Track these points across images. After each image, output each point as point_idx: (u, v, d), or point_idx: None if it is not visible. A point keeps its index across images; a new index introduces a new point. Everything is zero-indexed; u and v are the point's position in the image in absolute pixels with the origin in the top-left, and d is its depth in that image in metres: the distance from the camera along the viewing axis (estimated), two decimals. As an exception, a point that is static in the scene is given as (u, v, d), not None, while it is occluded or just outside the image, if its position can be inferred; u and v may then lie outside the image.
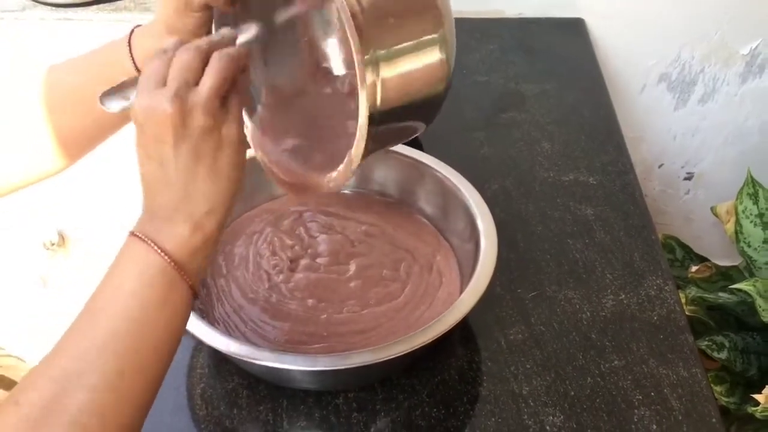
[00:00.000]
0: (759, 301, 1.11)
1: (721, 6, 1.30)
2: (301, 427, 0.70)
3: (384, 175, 0.86)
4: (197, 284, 0.52)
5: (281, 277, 0.77)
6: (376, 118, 0.51)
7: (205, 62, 0.50)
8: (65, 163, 0.67)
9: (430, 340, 0.65)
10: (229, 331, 0.72)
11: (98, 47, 0.63)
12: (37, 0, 1.27)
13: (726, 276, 1.28)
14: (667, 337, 0.78)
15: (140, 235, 0.50)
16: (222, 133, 0.50)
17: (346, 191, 0.87)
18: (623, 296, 0.83)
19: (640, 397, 0.73)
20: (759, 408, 1.05)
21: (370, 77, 0.50)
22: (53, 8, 1.27)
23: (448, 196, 0.81)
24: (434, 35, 0.53)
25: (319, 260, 0.79)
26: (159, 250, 0.49)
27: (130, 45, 0.60)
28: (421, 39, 0.52)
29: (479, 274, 0.71)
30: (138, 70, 0.60)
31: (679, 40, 1.34)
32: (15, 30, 1.27)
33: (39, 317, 1.56)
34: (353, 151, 0.53)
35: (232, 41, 0.54)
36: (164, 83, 0.49)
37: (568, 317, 0.80)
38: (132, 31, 0.61)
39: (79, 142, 0.66)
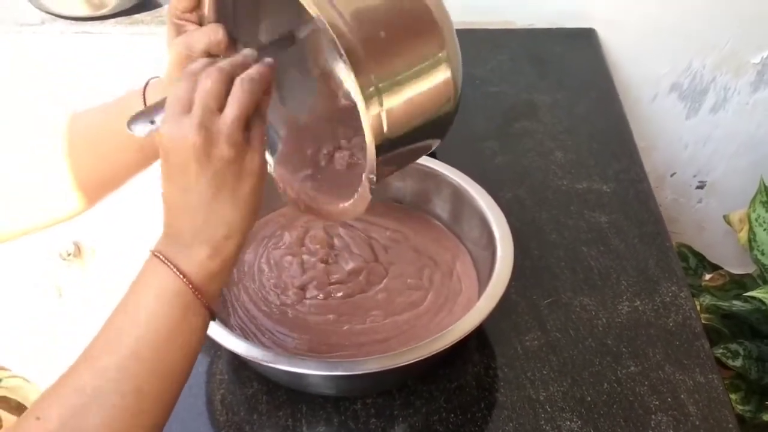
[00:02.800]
0: (773, 309, 1.11)
1: (732, 15, 1.30)
2: (320, 432, 0.71)
3: (400, 182, 0.87)
4: (214, 307, 0.53)
5: (302, 293, 0.78)
6: (385, 147, 0.51)
7: (229, 86, 0.50)
8: (83, 207, 0.68)
9: (446, 347, 0.66)
10: (247, 338, 0.73)
11: (116, 98, 0.64)
12: (56, 14, 1.29)
13: (740, 284, 1.28)
14: (683, 343, 0.79)
15: (160, 256, 0.51)
16: (244, 162, 0.50)
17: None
18: (638, 303, 0.83)
19: (657, 403, 0.73)
20: (775, 416, 1.05)
21: (374, 109, 0.49)
22: (72, 22, 1.29)
23: (463, 203, 0.82)
24: (437, 56, 0.52)
25: (342, 272, 0.79)
26: (178, 273, 0.50)
27: (144, 98, 0.62)
28: (424, 63, 0.52)
29: (495, 281, 0.71)
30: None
31: (690, 49, 1.34)
32: (34, 44, 1.29)
33: (54, 327, 1.58)
34: (364, 180, 0.54)
35: (254, 61, 0.54)
36: (190, 108, 0.50)
37: (584, 323, 0.81)
38: (147, 83, 0.62)
39: (96, 189, 0.67)
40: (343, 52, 0.48)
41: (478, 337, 0.79)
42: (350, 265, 0.79)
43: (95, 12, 1.28)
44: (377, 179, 0.53)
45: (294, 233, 0.84)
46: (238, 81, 0.50)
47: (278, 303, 0.77)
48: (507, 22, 1.33)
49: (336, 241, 0.82)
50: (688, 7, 1.30)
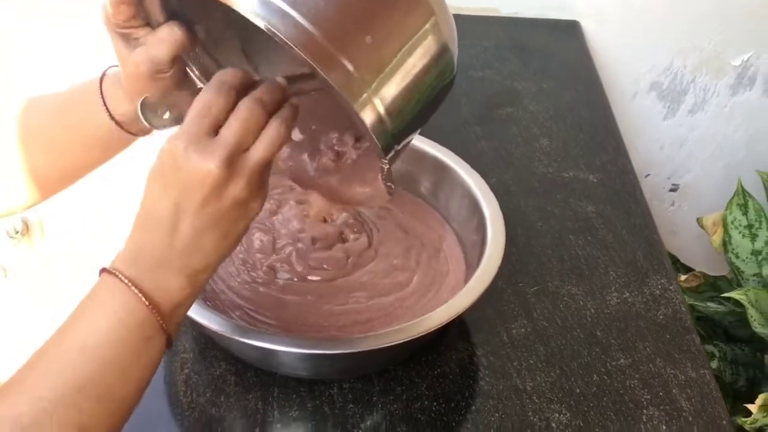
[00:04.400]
0: (751, 311, 1.09)
1: (715, 17, 1.29)
2: (293, 417, 0.65)
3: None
4: (174, 336, 0.49)
5: (272, 272, 0.72)
6: (392, 144, 0.48)
7: (266, 122, 0.46)
8: (37, 198, 0.63)
9: (433, 329, 0.61)
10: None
11: (73, 89, 0.59)
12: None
13: (714, 286, 1.26)
14: (673, 337, 0.76)
15: (124, 279, 0.46)
16: (249, 205, 0.47)
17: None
18: (627, 294, 0.80)
19: (649, 397, 0.69)
20: (749, 420, 1.03)
21: (371, 114, 0.45)
22: None
23: (450, 182, 0.78)
24: (425, 27, 0.48)
25: (322, 253, 0.73)
26: (146, 301, 0.46)
27: (102, 93, 0.56)
28: (412, 42, 0.47)
29: (486, 264, 0.67)
30: (115, 121, 0.56)
31: (672, 48, 1.33)
32: None
33: (-1, 308, 1.49)
34: (380, 182, 0.52)
35: (284, 90, 0.49)
36: (216, 129, 0.45)
37: (572, 313, 0.77)
38: (104, 73, 0.57)
39: (52, 183, 0.62)
40: (317, 68, 0.43)
41: (462, 323, 0.75)
42: (333, 244, 0.74)
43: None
44: (391, 165, 0.50)
45: (266, 206, 0.78)
46: (275, 124, 0.46)
47: (248, 280, 0.71)
48: (492, 10, 1.29)
49: (316, 216, 0.76)
50: (673, 5, 1.29)
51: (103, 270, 0.47)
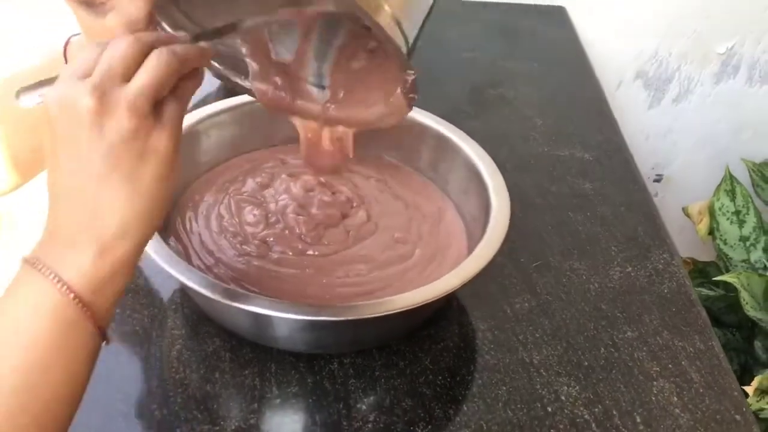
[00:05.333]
0: (743, 294, 1.08)
1: (700, 3, 1.29)
2: (293, 393, 0.62)
3: (378, 132, 0.80)
4: (106, 325, 0.43)
5: (266, 246, 0.69)
6: (410, 48, 0.47)
7: (143, 57, 0.41)
8: (15, 184, 0.60)
9: (439, 296, 0.58)
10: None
11: (42, 63, 0.56)
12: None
13: (703, 272, 1.26)
14: (679, 309, 0.74)
15: (35, 263, 0.40)
16: (149, 141, 0.41)
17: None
18: (630, 269, 0.78)
19: (658, 369, 0.67)
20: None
21: (389, 23, 0.45)
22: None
23: (446, 151, 0.76)
24: None
25: (318, 228, 0.70)
26: (57, 282, 0.40)
27: (66, 60, 0.53)
28: None
29: (491, 234, 0.64)
30: None
31: (657, 35, 1.33)
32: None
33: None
34: (401, 96, 0.50)
35: (185, 41, 0.45)
36: (88, 76, 0.40)
37: (575, 287, 0.75)
38: (67, 41, 0.54)
39: (28, 165, 0.59)
40: None
41: (464, 297, 0.72)
42: (332, 218, 0.71)
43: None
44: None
45: (258, 179, 0.75)
46: (157, 51, 0.41)
47: (241, 253, 0.68)
48: (478, -6, 1.28)
49: (311, 190, 0.73)
50: (658, -8, 1.28)
51: (22, 259, 0.42)
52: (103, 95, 0.39)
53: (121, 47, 0.41)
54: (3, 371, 0.39)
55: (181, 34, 0.47)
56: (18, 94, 0.44)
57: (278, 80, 0.62)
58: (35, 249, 0.42)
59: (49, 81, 0.44)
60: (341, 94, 0.61)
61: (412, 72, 0.48)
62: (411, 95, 0.53)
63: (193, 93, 0.45)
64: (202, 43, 0.46)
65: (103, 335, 0.43)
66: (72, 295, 0.40)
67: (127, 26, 0.48)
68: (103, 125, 0.39)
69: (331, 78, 0.62)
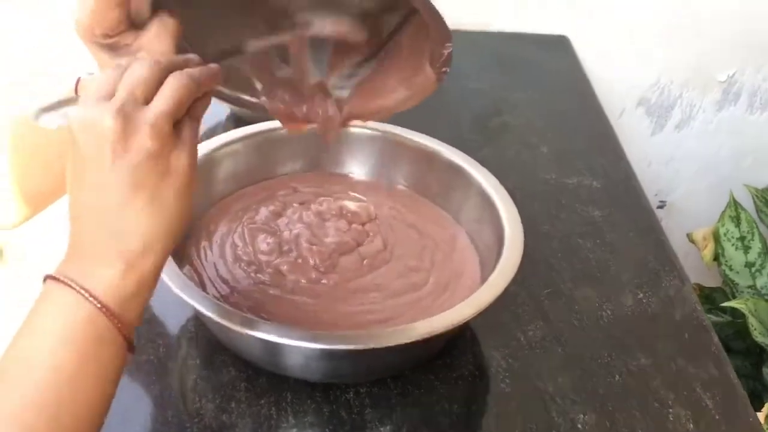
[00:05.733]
0: (751, 320, 1.08)
1: (700, 33, 1.31)
2: (309, 423, 0.62)
3: (391, 161, 0.80)
4: (132, 336, 0.44)
5: (281, 275, 0.69)
6: None
7: (161, 80, 0.43)
8: (24, 217, 0.61)
9: (455, 325, 0.59)
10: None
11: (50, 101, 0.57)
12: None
13: (710, 299, 1.26)
14: (692, 336, 0.74)
15: (63, 279, 0.42)
16: (170, 160, 0.43)
17: (353, 175, 0.81)
18: (642, 295, 0.78)
19: (673, 396, 0.67)
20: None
21: None
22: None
23: (458, 179, 0.77)
24: None
25: (333, 257, 0.70)
26: (87, 295, 0.41)
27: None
28: None
29: (504, 262, 0.65)
30: None
31: (659, 64, 1.34)
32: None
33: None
34: (430, 72, 0.52)
35: (196, 64, 0.47)
36: (111, 97, 0.42)
37: (588, 315, 0.75)
38: (78, 81, 0.54)
39: (39, 198, 0.60)
40: None
41: (476, 326, 0.72)
42: (346, 246, 0.71)
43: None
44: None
45: (271, 207, 0.76)
46: (176, 74, 0.43)
47: (256, 282, 0.68)
48: (482, 24, 1.30)
49: (323, 218, 0.74)
50: (659, 22, 1.30)
51: (46, 277, 0.43)
52: (126, 117, 0.41)
53: (141, 71, 0.43)
54: (36, 387, 0.40)
55: (191, 56, 0.48)
56: (38, 114, 0.46)
57: (286, 93, 0.63)
58: (60, 267, 0.43)
59: (68, 101, 0.46)
60: (354, 89, 0.61)
61: (450, 44, 0.48)
62: (443, 69, 0.54)
63: (204, 112, 0.47)
64: (212, 64, 0.48)
65: (130, 346, 0.44)
66: (103, 309, 0.42)
67: None
68: (127, 146, 0.41)
69: (339, 75, 0.63)
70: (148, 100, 0.42)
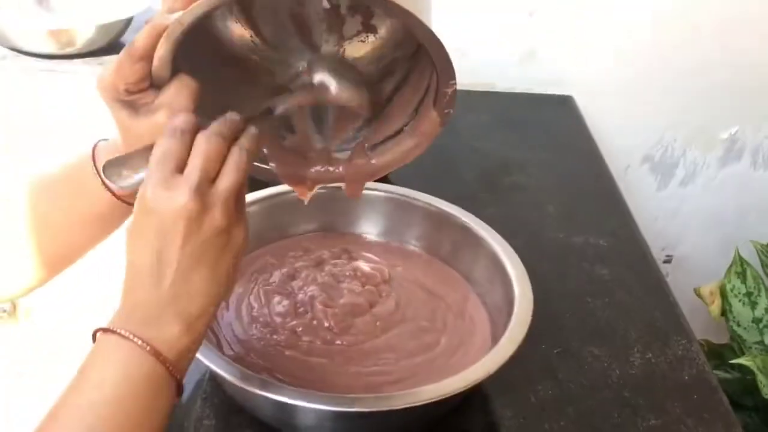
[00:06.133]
0: (760, 377, 1.09)
1: (702, 92, 1.35)
2: (324, 484, 0.62)
3: (402, 222, 0.83)
4: (182, 384, 0.47)
5: (296, 336, 0.71)
6: None
7: (225, 153, 0.47)
8: (42, 280, 0.62)
9: (470, 386, 0.60)
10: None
11: (65, 167, 0.59)
12: (20, 50, 1.22)
13: (719, 355, 1.26)
14: (701, 396, 0.75)
15: (124, 333, 0.44)
16: (231, 234, 0.47)
17: (365, 235, 0.83)
18: (650, 355, 0.79)
19: (684, 457, 0.68)
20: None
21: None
22: (36, 59, 1.22)
23: (467, 240, 0.79)
24: None
25: (347, 319, 0.72)
26: (150, 350, 0.44)
27: (96, 165, 0.57)
28: None
29: (515, 322, 0.66)
30: (113, 193, 0.57)
31: (662, 122, 1.38)
32: (-5, 79, 1.21)
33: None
34: (435, 116, 0.54)
35: (242, 124, 0.50)
36: (181, 169, 0.46)
37: (597, 374, 0.76)
38: (95, 146, 0.57)
39: (52, 264, 0.62)
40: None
41: (487, 385, 0.73)
42: (359, 308, 0.73)
43: (62, 50, 1.21)
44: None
45: (284, 269, 0.78)
46: (236, 150, 0.47)
47: (272, 343, 0.69)
48: (487, 84, 1.33)
49: (337, 279, 0.76)
50: (662, 82, 1.34)
51: (100, 330, 0.45)
52: (203, 197, 0.45)
53: (209, 145, 0.46)
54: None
55: (233, 115, 0.50)
56: (107, 172, 0.49)
57: (293, 159, 0.65)
58: (115, 321, 0.46)
59: (132, 160, 0.49)
60: (359, 148, 0.64)
61: (454, 81, 0.50)
62: (447, 110, 0.56)
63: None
64: (251, 128, 0.50)
65: (180, 393, 0.47)
66: (166, 363, 0.45)
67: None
68: (201, 223, 0.45)
69: (343, 137, 0.66)
70: (216, 175, 0.46)
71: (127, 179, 0.49)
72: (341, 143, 0.66)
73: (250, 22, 0.61)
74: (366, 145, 0.65)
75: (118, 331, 0.44)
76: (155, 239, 0.45)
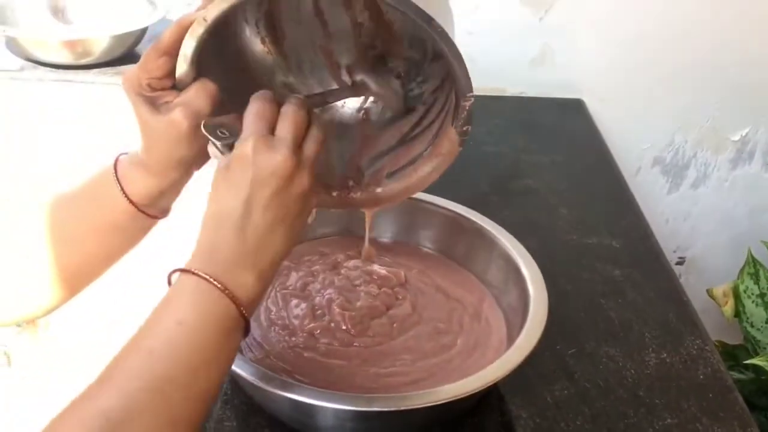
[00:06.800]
0: (774, 377, 1.09)
1: (712, 94, 1.35)
2: (343, 484, 0.63)
3: (417, 225, 0.84)
4: (249, 326, 0.50)
5: (314, 338, 0.72)
6: None
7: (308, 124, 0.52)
8: (65, 297, 0.63)
9: (486, 386, 0.61)
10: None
11: (86, 182, 0.60)
12: (36, 60, 1.24)
13: (732, 356, 1.26)
14: (716, 395, 0.75)
15: (204, 275, 0.47)
16: (309, 199, 0.52)
17: (381, 239, 0.84)
18: (665, 355, 0.80)
19: (700, 456, 0.68)
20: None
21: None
22: (52, 69, 1.24)
23: (482, 243, 0.80)
24: None
25: (364, 321, 0.73)
26: (228, 294, 0.47)
27: (118, 178, 0.58)
28: None
29: (531, 322, 0.67)
30: (134, 204, 0.58)
31: (673, 124, 1.38)
32: (12, 90, 1.23)
33: (1, 397, 1.44)
34: (453, 135, 0.56)
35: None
36: (271, 130, 0.50)
37: (612, 374, 0.77)
38: (116, 160, 0.59)
39: (75, 281, 0.62)
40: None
41: (503, 386, 0.74)
42: (376, 310, 0.73)
43: (78, 60, 1.23)
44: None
45: (300, 273, 0.79)
46: (315, 122, 0.53)
47: (291, 345, 0.70)
48: (498, 89, 1.34)
49: (353, 282, 0.76)
50: (672, 84, 1.34)
51: (178, 270, 0.48)
52: (297, 157, 0.49)
53: (300, 116, 0.51)
54: (166, 368, 0.44)
55: (300, 96, 0.54)
56: (207, 128, 0.52)
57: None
58: (193, 263, 0.48)
59: (227, 120, 0.53)
60: (380, 173, 0.66)
61: (472, 94, 0.53)
62: (465, 127, 0.58)
63: None
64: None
65: (247, 334, 0.50)
66: (240, 306, 0.47)
67: (194, 118, 0.54)
68: (291, 182, 0.49)
69: (364, 163, 0.67)
70: (302, 142, 0.51)
71: (223, 138, 0.52)
72: (361, 170, 0.68)
73: (277, 47, 0.65)
74: (386, 172, 0.67)
75: (198, 272, 0.47)
76: (248, 188, 0.48)
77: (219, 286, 0.47)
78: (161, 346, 0.45)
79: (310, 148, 0.51)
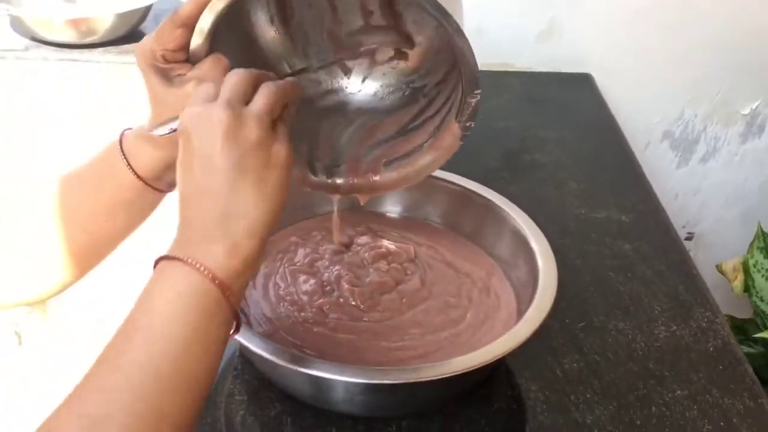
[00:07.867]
0: (784, 351, 1.08)
1: (723, 66, 1.34)
2: (354, 457, 0.64)
3: (426, 200, 0.83)
4: (238, 311, 0.47)
5: (323, 314, 0.72)
6: None
7: (256, 86, 0.50)
8: (74, 277, 0.62)
9: (496, 358, 0.60)
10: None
11: (92, 159, 0.60)
12: (41, 40, 1.24)
13: (742, 330, 1.26)
14: (726, 367, 0.75)
15: (175, 256, 0.45)
16: (272, 151, 0.48)
17: (389, 214, 0.84)
18: (675, 327, 0.79)
19: (710, 427, 0.68)
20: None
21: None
22: (57, 49, 1.24)
23: (491, 217, 0.79)
24: None
25: (374, 295, 0.73)
26: (202, 269, 0.45)
27: (124, 153, 0.57)
28: None
29: (541, 295, 0.67)
30: (140, 177, 0.58)
31: (682, 98, 1.37)
32: (17, 70, 1.23)
33: (12, 376, 1.46)
34: (456, 129, 0.53)
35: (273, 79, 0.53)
36: (216, 99, 0.48)
37: (622, 347, 0.77)
38: (122, 134, 0.58)
39: (84, 259, 0.62)
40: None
41: (513, 359, 0.74)
42: (385, 285, 0.74)
43: (83, 39, 1.23)
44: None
45: (307, 250, 0.79)
46: (265, 83, 0.50)
47: (300, 320, 0.71)
48: (506, 64, 1.33)
49: (362, 258, 0.76)
50: (681, 57, 1.33)
51: (159, 259, 0.46)
52: (234, 110, 0.46)
53: (239, 77, 0.49)
54: (153, 356, 0.43)
55: (270, 73, 0.53)
56: (152, 131, 0.53)
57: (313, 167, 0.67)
58: (172, 248, 0.46)
59: (172, 119, 0.52)
60: (378, 161, 0.66)
61: (479, 91, 0.52)
62: (469, 123, 0.57)
63: (290, 118, 0.52)
64: (290, 79, 0.54)
65: (237, 321, 0.47)
66: (215, 280, 0.45)
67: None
68: (236, 135, 0.46)
69: (363, 150, 0.67)
70: (248, 101, 0.48)
71: (170, 125, 0.52)
72: (360, 157, 0.68)
73: (288, 30, 0.65)
74: (384, 160, 0.67)
75: (171, 255, 0.45)
76: (197, 159, 0.46)
77: (185, 260, 0.45)
78: (139, 335, 0.44)
79: (257, 100, 0.48)
